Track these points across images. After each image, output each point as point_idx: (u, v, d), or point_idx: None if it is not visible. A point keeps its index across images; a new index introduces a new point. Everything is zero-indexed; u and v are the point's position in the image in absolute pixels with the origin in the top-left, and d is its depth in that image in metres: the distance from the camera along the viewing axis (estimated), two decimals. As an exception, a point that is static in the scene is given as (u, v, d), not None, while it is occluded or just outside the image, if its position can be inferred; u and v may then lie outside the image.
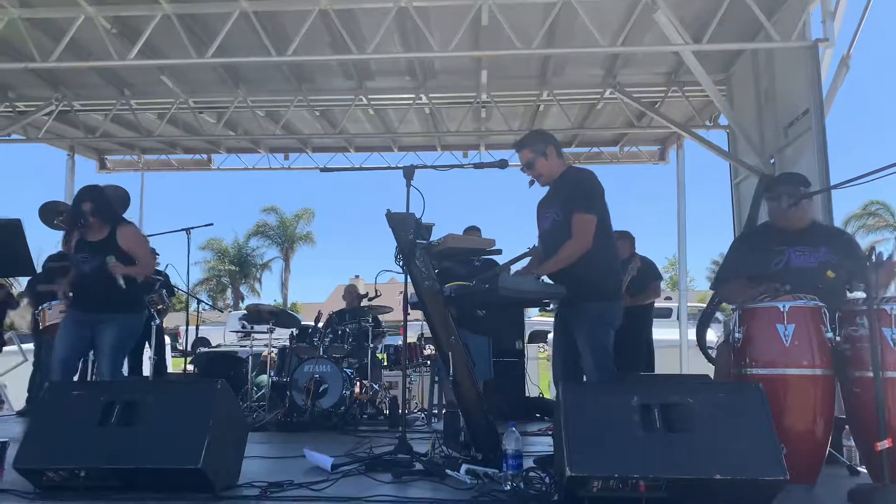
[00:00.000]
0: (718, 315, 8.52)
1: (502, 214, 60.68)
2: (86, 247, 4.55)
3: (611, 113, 9.05)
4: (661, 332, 9.91)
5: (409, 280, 3.58)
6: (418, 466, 3.47)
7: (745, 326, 3.29)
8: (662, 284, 6.95)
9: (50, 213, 6.27)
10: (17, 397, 7.63)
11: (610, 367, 3.57)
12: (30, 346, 7.42)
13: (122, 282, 4.39)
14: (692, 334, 6.45)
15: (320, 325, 6.94)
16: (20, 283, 10.34)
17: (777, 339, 3.15)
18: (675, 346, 9.07)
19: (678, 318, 9.85)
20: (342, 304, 7.80)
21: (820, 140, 5.58)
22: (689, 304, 10.45)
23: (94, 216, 4.51)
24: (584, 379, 3.63)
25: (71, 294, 4.63)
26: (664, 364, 7.84)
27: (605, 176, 3.84)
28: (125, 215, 6.21)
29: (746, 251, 3.86)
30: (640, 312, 5.79)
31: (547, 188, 3.93)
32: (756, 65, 6.93)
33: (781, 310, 3.18)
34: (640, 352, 5.78)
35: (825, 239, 3.67)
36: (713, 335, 6.68)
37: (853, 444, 3.50)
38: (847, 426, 3.48)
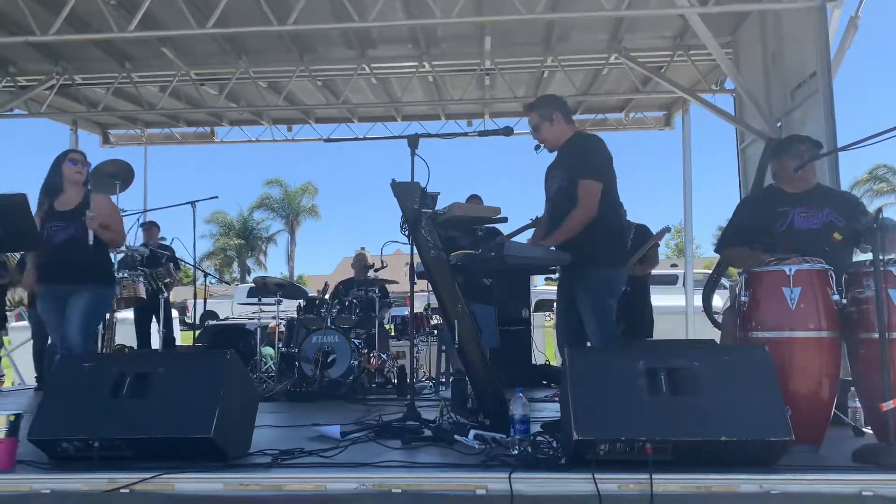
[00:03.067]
0: (724, 281, 8.53)
1: (507, 183, 60.48)
2: (57, 216, 4.36)
3: (616, 79, 8.95)
4: (667, 299, 9.96)
5: (414, 250, 3.59)
6: (427, 433, 3.51)
7: (751, 290, 3.28)
8: (668, 251, 6.97)
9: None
10: (27, 371, 7.74)
11: (613, 333, 3.60)
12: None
13: (91, 238, 4.20)
14: (698, 300, 6.45)
15: (327, 296, 6.98)
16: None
17: (783, 302, 3.14)
18: (681, 312, 9.10)
19: (684, 285, 9.86)
20: (349, 276, 7.83)
21: (827, 103, 5.52)
22: (695, 271, 10.45)
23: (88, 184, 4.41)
24: (588, 344, 3.65)
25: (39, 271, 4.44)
26: (670, 330, 7.87)
27: (610, 143, 3.83)
28: (129, 189, 6.24)
29: (749, 214, 3.84)
30: (642, 280, 5.82)
31: (555, 153, 3.92)
32: (763, 27, 6.83)
33: (787, 273, 3.16)
34: (644, 320, 5.81)
35: (829, 200, 3.65)
36: (719, 301, 6.70)
37: (858, 405, 3.52)
38: (852, 387, 3.50)
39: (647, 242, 5.73)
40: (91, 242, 4.24)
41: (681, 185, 9.49)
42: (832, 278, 3.18)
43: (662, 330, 6.66)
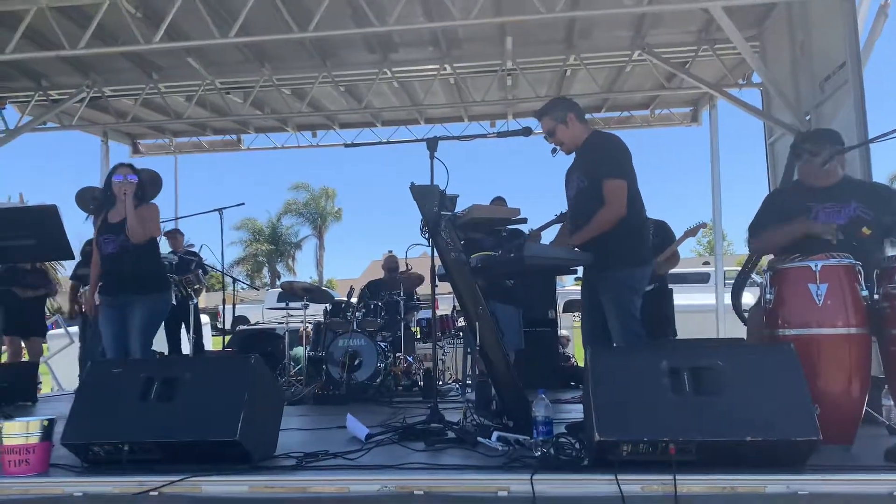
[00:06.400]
0: (755, 278, 8.41)
1: (530, 183, 60.26)
2: (109, 228, 4.56)
3: (640, 75, 8.87)
4: (699, 297, 9.83)
5: (436, 252, 3.60)
6: (451, 434, 3.51)
7: (777, 287, 3.23)
8: (700, 248, 6.87)
9: (86, 198, 6.41)
10: (64, 377, 7.92)
11: (637, 332, 3.56)
12: (75, 328, 7.66)
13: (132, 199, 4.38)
14: (729, 298, 6.35)
15: (353, 299, 7.03)
16: (66, 268, 10.55)
17: (810, 299, 3.08)
18: (712, 310, 8.98)
19: (715, 283, 9.72)
20: (377, 278, 7.86)
21: (857, 94, 5.40)
22: (726, 268, 10.30)
23: (140, 197, 4.53)
24: (613, 344, 3.62)
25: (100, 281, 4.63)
26: (701, 329, 7.77)
27: (636, 140, 3.82)
28: (158, 198, 6.37)
29: (777, 208, 3.75)
30: (664, 279, 5.75)
31: (573, 155, 3.90)
32: (790, 18, 6.70)
33: (814, 269, 3.10)
34: (668, 319, 5.75)
35: (856, 193, 3.55)
36: (750, 298, 6.60)
37: (892, 403, 3.43)
38: (886, 385, 3.42)
39: (678, 238, 5.65)
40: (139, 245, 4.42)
41: (709, 182, 9.38)
42: (860, 273, 3.10)
43: (693, 329, 6.57)
